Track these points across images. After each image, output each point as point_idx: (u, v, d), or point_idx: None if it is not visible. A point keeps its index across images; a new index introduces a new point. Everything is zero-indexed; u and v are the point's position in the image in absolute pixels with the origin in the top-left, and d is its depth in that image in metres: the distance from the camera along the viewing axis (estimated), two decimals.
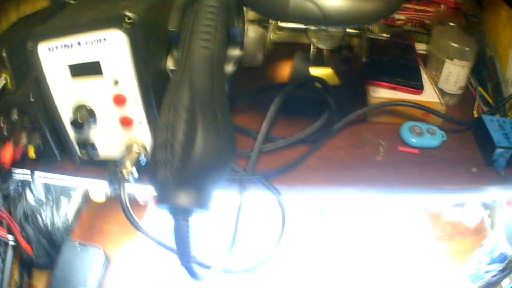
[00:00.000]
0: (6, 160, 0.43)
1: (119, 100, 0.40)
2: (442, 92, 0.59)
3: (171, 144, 0.30)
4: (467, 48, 0.58)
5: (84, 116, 0.40)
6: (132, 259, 0.73)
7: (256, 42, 0.62)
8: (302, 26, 0.56)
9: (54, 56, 0.38)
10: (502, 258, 0.59)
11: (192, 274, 0.32)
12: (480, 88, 0.62)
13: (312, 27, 0.55)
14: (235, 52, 0.42)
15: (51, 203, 0.72)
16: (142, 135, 0.42)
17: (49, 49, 0.38)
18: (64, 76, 0.39)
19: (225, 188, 0.45)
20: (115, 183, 0.40)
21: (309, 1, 0.36)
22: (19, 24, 0.54)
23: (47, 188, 0.72)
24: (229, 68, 0.41)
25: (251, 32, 0.61)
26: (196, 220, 0.31)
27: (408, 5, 0.71)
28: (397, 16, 0.72)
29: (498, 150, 0.48)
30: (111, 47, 0.37)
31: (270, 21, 0.59)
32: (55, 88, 0.40)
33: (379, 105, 0.54)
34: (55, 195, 0.74)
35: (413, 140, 0.52)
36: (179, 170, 0.30)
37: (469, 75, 0.61)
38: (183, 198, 0.30)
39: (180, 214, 0.30)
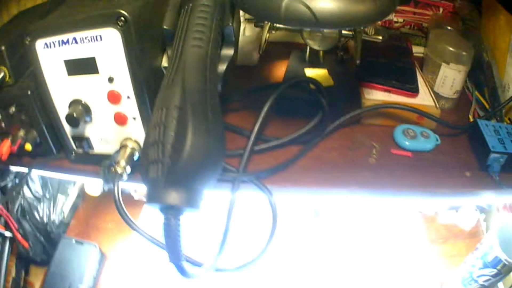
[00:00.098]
0: (4, 153, 0.43)
1: (114, 97, 0.40)
2: (438, 96, 0.59)
3: (162, 142, 0.30)
4: (464, 53, 0.58)
5: (80, 112, 0.40)
6: (127, 256, 0.74)
7: (252, 41, 0.62)
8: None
9: (51, 52, 0.39)
10: (496, 262, 0.58)
11: (182, 272, 0.32)
12: (476, 93, 0.62)
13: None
14: (228, 51, 0.42)
15: (48, 200, 0.73)
16: (136, 132, 0.42)
17: (46, 45, 0.38)
18: (61, 72, 0.40)
19: (216, 187, 0.45)
20: (109, 179, 0.41)
21: (302, 3, 0.36)
22: (18, 18, 0.54)
23: (44, 184, 0.73)
24: (222, 67, 0.42)
25: (248, 30, 0.61)
26: (188, 219, 0.31)
27: (407, 8, 0.71)
28: (395, 19, 0.72)
29: (493, 155, 0.48)
30: (106, 44, 0.37)
31: None
32: (52, 83, 0.41)
33: (373, 107, 0.54)
34: (52, 191, 0.74)
35: (407, 143, 0.52)
36: (169, 169, 0.30)
37: (466, 79, 0.61)
38: (174, 197, 0.30)
39: (171, 213, 0.30)
